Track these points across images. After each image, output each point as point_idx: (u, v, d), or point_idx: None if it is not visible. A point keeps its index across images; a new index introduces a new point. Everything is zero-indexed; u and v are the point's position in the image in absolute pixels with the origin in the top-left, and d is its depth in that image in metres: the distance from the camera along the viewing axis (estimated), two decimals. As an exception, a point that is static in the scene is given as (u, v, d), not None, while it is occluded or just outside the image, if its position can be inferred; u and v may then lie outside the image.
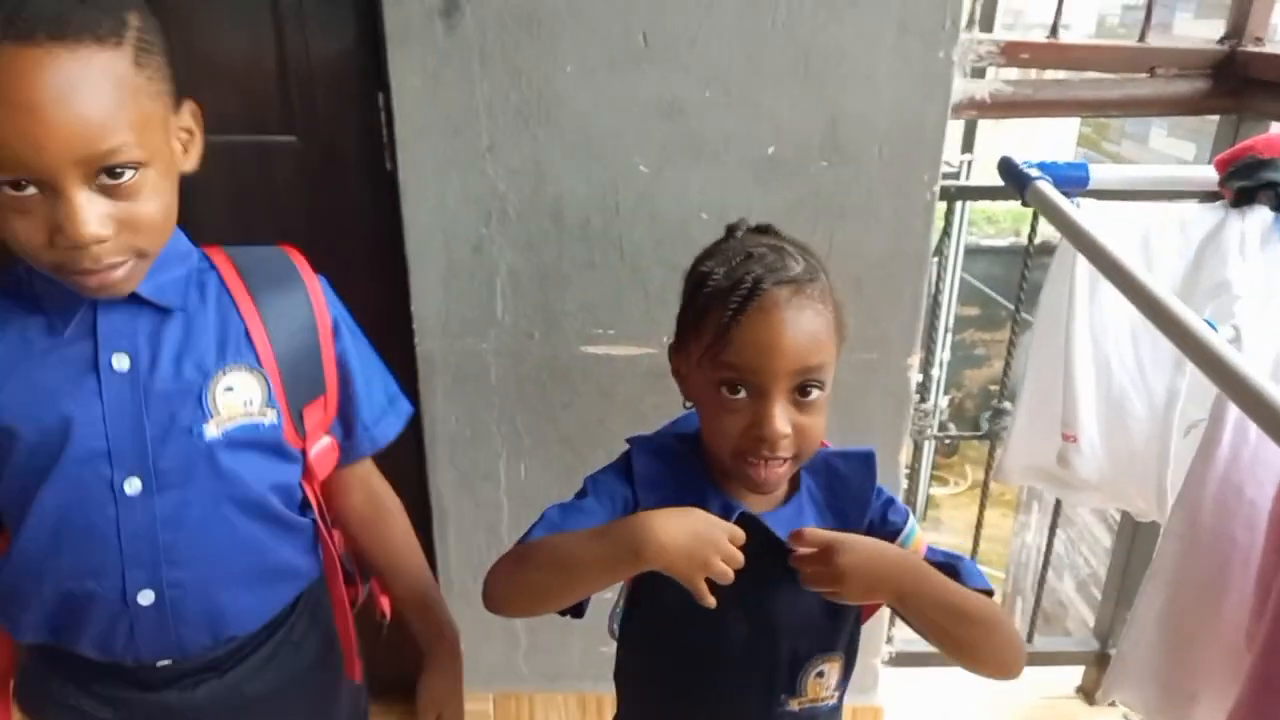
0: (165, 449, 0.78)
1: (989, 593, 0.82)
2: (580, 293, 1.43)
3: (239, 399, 0.80)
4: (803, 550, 0.76)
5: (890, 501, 0.87)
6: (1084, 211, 1.19)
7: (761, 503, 0.83)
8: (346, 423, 0.92)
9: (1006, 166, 1.27)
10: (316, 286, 0.90)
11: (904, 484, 1.56)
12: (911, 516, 0.87)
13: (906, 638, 1.81)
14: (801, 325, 0.75)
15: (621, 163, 1.34)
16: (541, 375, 1.48)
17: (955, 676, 1.83)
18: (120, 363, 0.77)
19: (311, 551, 0.92)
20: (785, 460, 0.77)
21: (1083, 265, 1.23)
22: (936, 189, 1.33)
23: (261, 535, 0.85)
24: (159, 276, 0.78)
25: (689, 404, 0.86)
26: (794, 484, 0.84)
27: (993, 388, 6.77)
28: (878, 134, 1.31)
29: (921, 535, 0.87)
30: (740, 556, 0.73)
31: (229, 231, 0.96)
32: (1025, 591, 2.70)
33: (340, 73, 1.38)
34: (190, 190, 0.85)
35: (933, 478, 6.82)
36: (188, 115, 0.77)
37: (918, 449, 5.16)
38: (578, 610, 0.81)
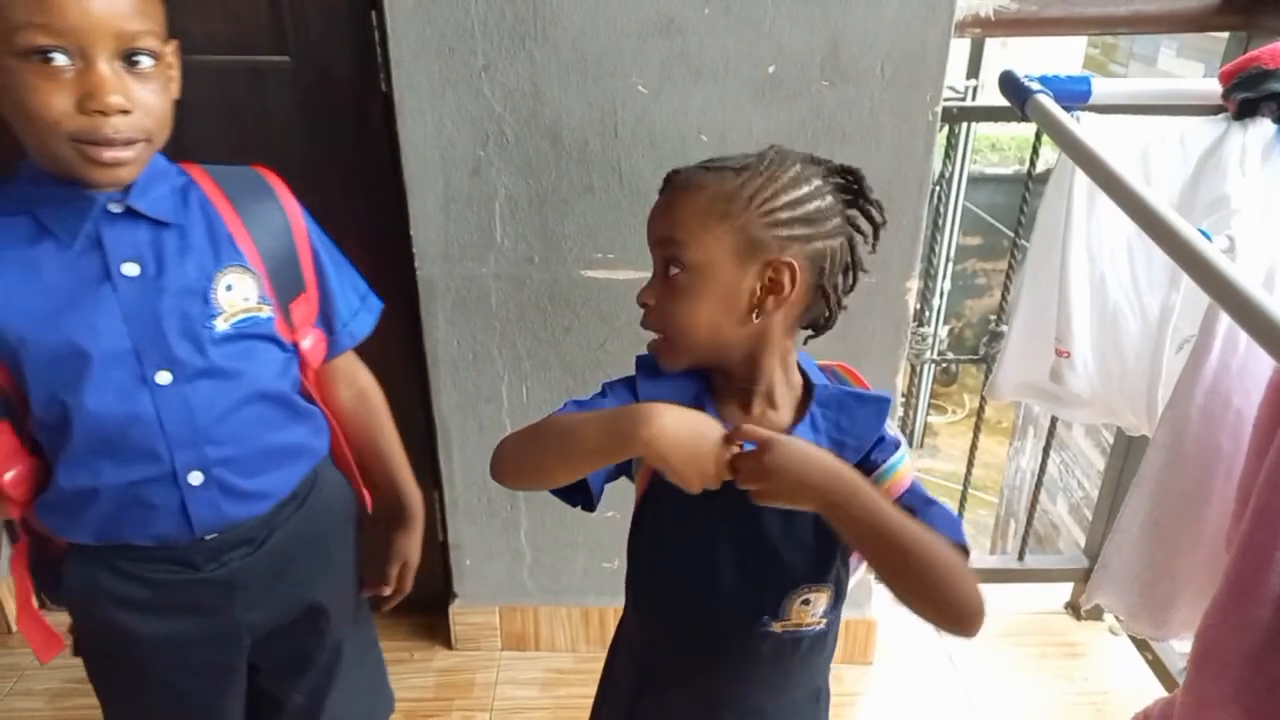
0: (185, 343, 0.85)
1: (963, 548, 0.78)
2: (579, 216, 1.43)
3: (238, 295, 0.88)
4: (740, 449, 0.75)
5: (880, 438, 0.84)
6: (1083, 126, 1.18)
7: (763, 424, 0.81)
8: (327, 319, 1.00)
9: (1007, 80, 1.25)
10: (287, 194, 0.96)
11: (900, 409, 1.58)
12: (901, 448, 0.85)
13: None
14: (668, 202, 0.80)
15: (620, 83, 1.32)
16: (542, 299, 1.49)
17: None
18: (130, 269, 0.82)
19: (322, 432, 1.02)
20: (658, 335, 0.81)
21: (1081, 180, 1.23)
22: (939, 109, 1.32)
23: (279, 417, 0.94)
24: (150, 193, 0.84)
25: None
26: (801, 411, 0.84)
27: (993, 317, 6.74)
28: (879, 53, 1.29)
29: (907, 469, 0.84)
30: (727, 465, 0.74)
31: (223, 154, 0.96)
32: (1018, 514, 2.76)
33: None
34: (184, 113, 0.87)
35: (931, 406, 6.87)
36: (172, 51, 0.83)
37: (915, 375, 5.19)
38: (587, 502, 0.85)
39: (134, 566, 0.91)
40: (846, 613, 1.68)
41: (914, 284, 1.45)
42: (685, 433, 0.74)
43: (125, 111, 0.76)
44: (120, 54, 0.75)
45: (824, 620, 0.88)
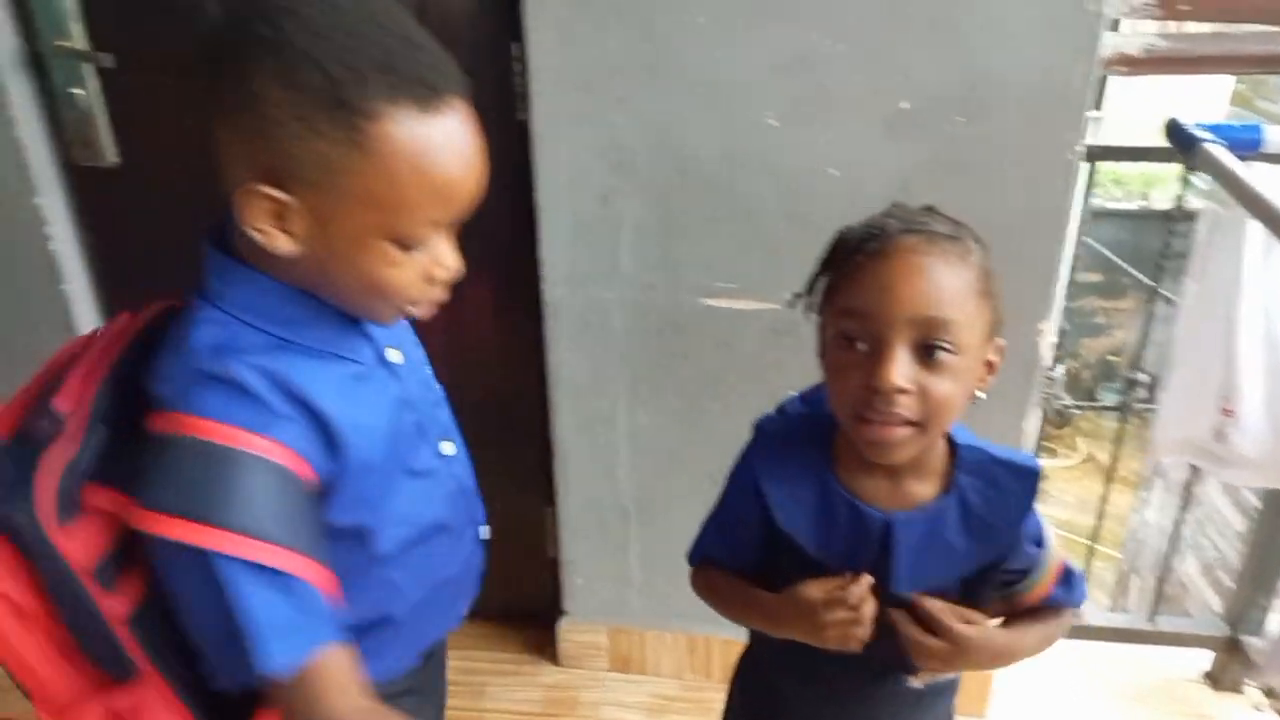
0: (442, 410, 0.86)
1: (1078, 605, 0.87)
2: (703, 245, 1.45)
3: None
4: (920, 634, 0.77)
5: (1035, 534, 0.82)
6: (1254, 174, 1.13)
7: (899, 498, 0.78)
8: None
9: (1174, 129, 1.21)
10: None
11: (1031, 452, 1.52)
12: (1047, 545, 0.83)
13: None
14: (927, 273, 0.69)
15: (749, 116, 1.34)
16: (662, 325, 1.52)
17: (1071, 650, 1.82)
18: (395, 356, 0.79)
19: None
20: (904, 422, 0.71)
21: (1255, 233, 1.17)
22: (1080, 149, 1.28)
23: None
24: None
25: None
26: (947, 483, 0.79)
27: (1112, 358, 6.43)
28: (1018, 90, 1.26)
29: (1054, 563, 0.84)
30: (865, 627, 0.77)
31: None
32: (1142, 570, 2.62)
33: (476, 24, 1.43)
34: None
35: (1041, 449, 6.57)
36: None
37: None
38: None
39: (404, 682, 0.86)
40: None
41: (1047, 326, 1.41)
42: (806, 633, 0.79)
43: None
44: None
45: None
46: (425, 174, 0.64)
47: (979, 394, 0.76)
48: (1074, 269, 1.62)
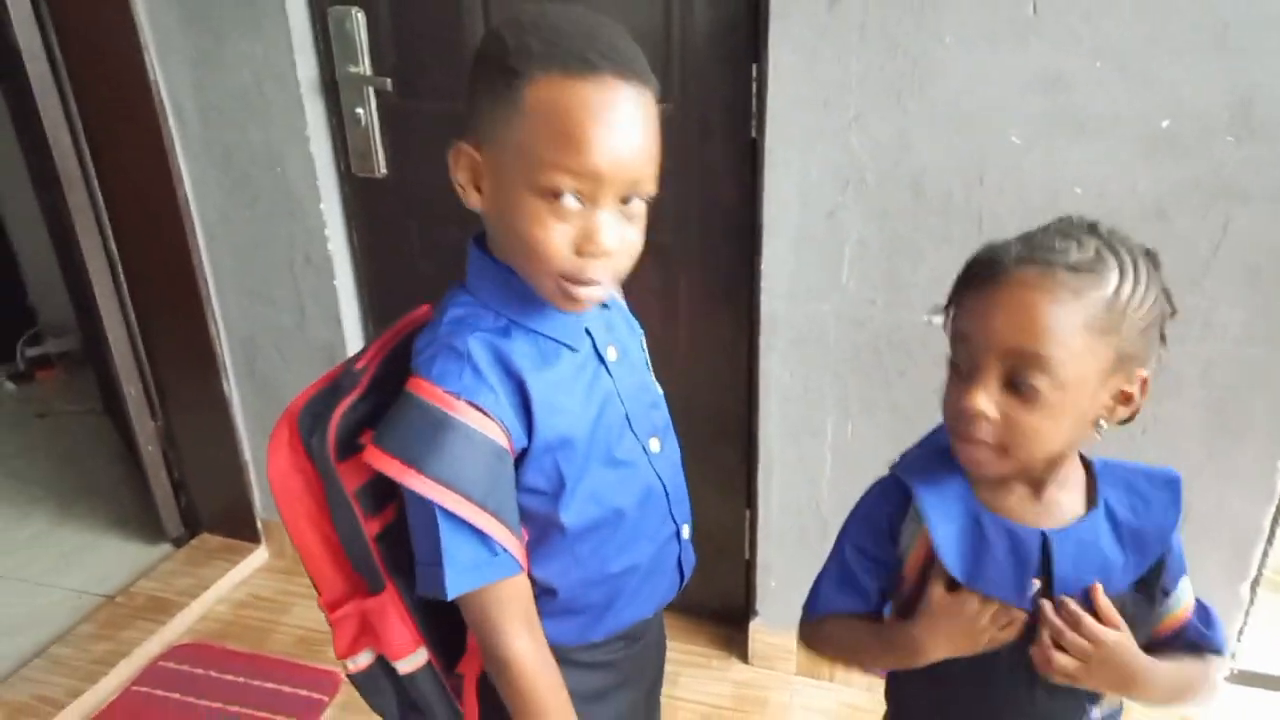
0: (657, 412, 0.91)
1: (1219, 651, 0.82)
2: (929, 264, 1.44)
3: (649, 365, 0.95)
4: (1058, 620, 0.76)
5: (1178, 555, 0.81)
6: None
7: (1046, 517, 0.78)
8: None
9: None
10: None
11: (1278, 495, 1.41)
12: (1185, 578, 0.83)
13: (1258, 654, 1.66)
14: (1027, 308, 0.68)
15: (993, 136, 1.32)
16: (879, 342, 1.52)
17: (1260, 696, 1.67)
18: (612, 354, 0.86)
19: None
20: (987, 445, 0.72)
21: None
22: (1371, 171, 1.18)
23: None
24: None
25: None
26: (1092, 498, 0.79)
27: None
28: (1301, 109, 1.18)
29: (1190, 596, 0.83)
30: (1018, 623, 0.77)
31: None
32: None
33: (718, 45, 1.48)
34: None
35: None
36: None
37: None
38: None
39: (598, 655, 0.90)
40: (1184, 712, 1.54)
41: (1314, 362, 1.30)
42: (947, 649, 0.79)
43: (612, 255, 0.75)
44: (620, 199, 0.74)
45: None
46: (563, 132, 0.69)
47: (1103, 424, 0.74)
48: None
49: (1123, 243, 0.73)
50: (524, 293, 0.78)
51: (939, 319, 1.44)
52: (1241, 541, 1.42)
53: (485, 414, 0.74)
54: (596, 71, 0.69)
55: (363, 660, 0.86)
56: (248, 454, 2.08)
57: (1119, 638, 0.76)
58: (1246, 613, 1.52)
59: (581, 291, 0.75)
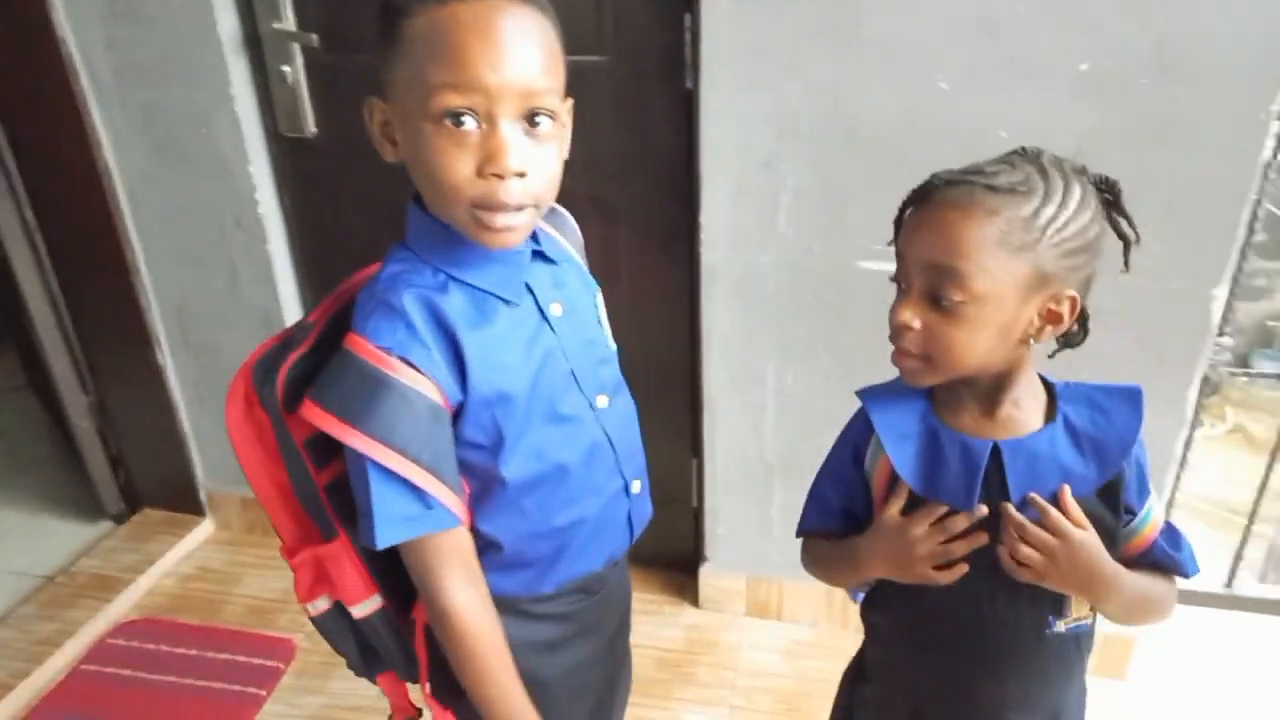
0: (605, 369, 0.91)
1: (1185, 573, 0.86)
2: (864, 209, 1.47)
3: (604, 317, 0.96)
4: (1020, 519, 0.78)
5: (1142, 471, 0.83)
6: None
7: (1003, 430, 0.81)
8: None
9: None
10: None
11: (1190, 420, 1.50)
12: (1152, 495, 0.85)
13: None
14: (946, 223, 0.73)
15: (923, 81, 1.35)
16: (817, 288, 1.55)
17: (1217, 619, 1.79)
18: (555, 310, 0.86)
19: None
20: (913, 355, 0.77)
21: None
22: (1275, 109, 1.24)
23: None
24: (544, 237, 0.88)
25: None
26: (1050, 412, 0.82)
27: (1271, 324, 6.00)
28: (1214, 50, 1.22)
29: (1159, 516, 0.86)
30: (956, 571, 0.81)
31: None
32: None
33: None
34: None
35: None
36: (567, 110, 0.80)
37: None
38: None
39: (549, 607, 0.91)
40: (1104, 627, 1.64)
41: (1221, 291, 1.38)
42: (882, 562, 0.85)
43: (521, 175, 0.73)
44: (523, 115, 0.73)
45: (1093, 614, 0.88)
46: (441, 50, 0.70)
47: (1033, 341, 0.78)
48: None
49: (1061, 169, 0.75)
50: (461, 245, 0.79)
51: (876, 265, 1.50)
52: (1157, 466, 1.50)
53: (418, 370, 0.75)
54: None
55: (321, 605, 0.89)
56: (187, 425, 2.03)
57: (1085, 536, 0.78)
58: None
59: (498, 219, 0.74)
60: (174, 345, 1.95)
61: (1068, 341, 0.82)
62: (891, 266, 1.47)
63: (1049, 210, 0.73)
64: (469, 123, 0.71)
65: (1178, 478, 1.56)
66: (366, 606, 0.87)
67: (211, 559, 2.03)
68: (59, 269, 1.90)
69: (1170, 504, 1.59)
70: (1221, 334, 1.46)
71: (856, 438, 0.89)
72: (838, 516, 0.92)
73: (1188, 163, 1.29)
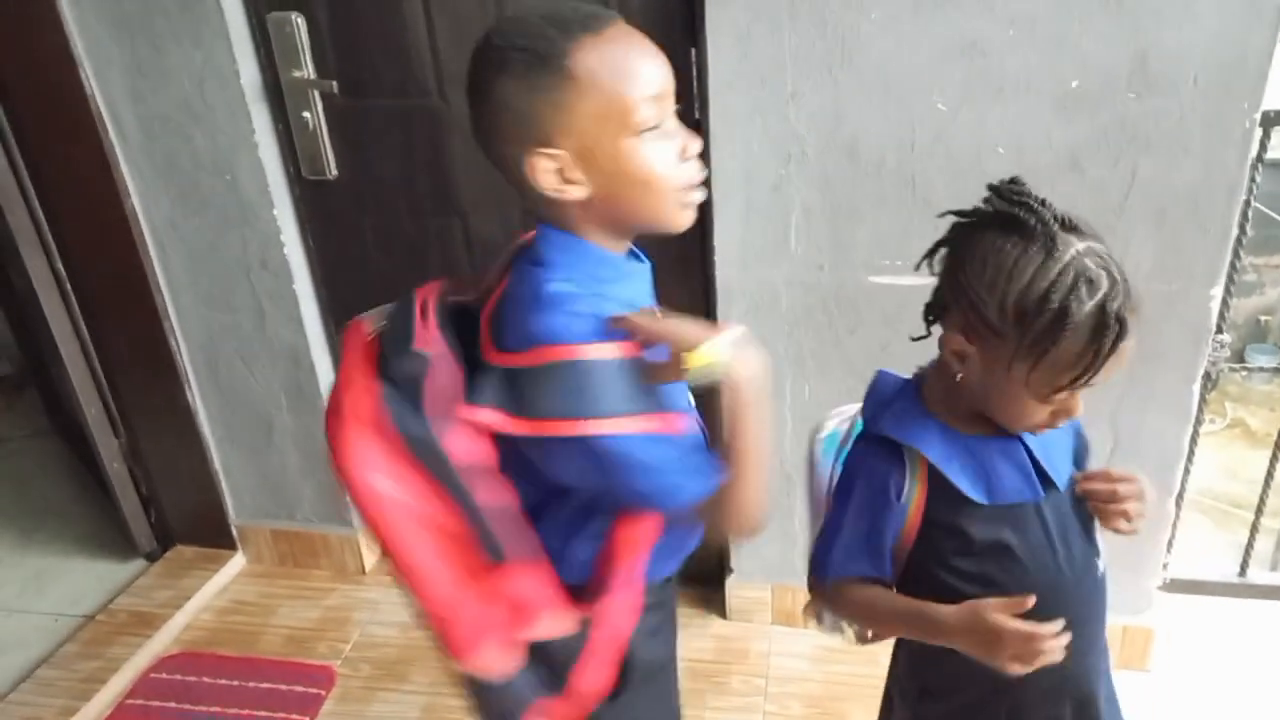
0: None
1: None
2: (870, 226, 1.53)
3: None
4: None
5: None
6: None
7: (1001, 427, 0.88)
8: None
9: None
10: None
11: (1194, 416, 1.55)
12: None
13: (1184, 563, 1.82)
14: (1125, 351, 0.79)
15: (919, 102, 1.41)
16: (829, 303, 1.61)
17: (1236, 607, 1.83)
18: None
19: None
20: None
21: None
22: (1256, 117, 1.30)
23: None
24: None
25: (958, 375, 0.86)
26: None
27: (1264, 318, 6.07)
28: (1193, 65, 1.29)
29: None
30: (1046, 639, 0.80)
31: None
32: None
33: (655, 31, 1.50)
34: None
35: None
36: None
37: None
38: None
39: (656, 595, 0.96)
40: (1124, 618, 1.68)
41: (1218, 291, 1.44)
42: (980, 651, 0.83)
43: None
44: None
45: None
46: (625, 73, 0.77)
47: None
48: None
49: (1095, 236, 0.82)
50: (603, 261, 0.86)
51: (884, 280, 1.56)
52: (1165, 461, 1.56)
53: (611, 344, 0.79)
54: (604, 23, 0.78)
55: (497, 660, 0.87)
56: (217, 462, 2.08)
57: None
58: (1174, 526, 1.66)
59: (697, 194, 0.85)
60: (203, 386, 2.01)
61: None
62: (899, 281, 1.57)
63: None
64: (663, 124, 0.80)
65: (1186, 472, 1.61)
66: (568, 616, 0.88)
67: (246, 592, 2.07)
68: (88, 316, 1.96)
69: (1180, 499, 1.64)
70: (1220, 331, 1.52)
71: (890, 473, 0.90)
72: (884, 561, 0.92)
73: (1176, 170, 1.36)
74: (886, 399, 0.94)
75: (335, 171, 1.75)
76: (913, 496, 0.90)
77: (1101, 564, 0.94)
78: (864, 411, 0.96)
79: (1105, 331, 0.76)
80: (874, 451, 0.92)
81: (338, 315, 1.91)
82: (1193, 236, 1.40)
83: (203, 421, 2.04)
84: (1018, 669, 0.82)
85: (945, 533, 0.89)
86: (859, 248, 1.56)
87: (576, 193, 0.81)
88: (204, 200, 1.80)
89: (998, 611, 0.82)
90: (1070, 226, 0.80)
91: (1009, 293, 0.79)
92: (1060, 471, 0.90)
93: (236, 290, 1.88)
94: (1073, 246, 0.79)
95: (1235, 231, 1.40)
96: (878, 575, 0.92)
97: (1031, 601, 0.82)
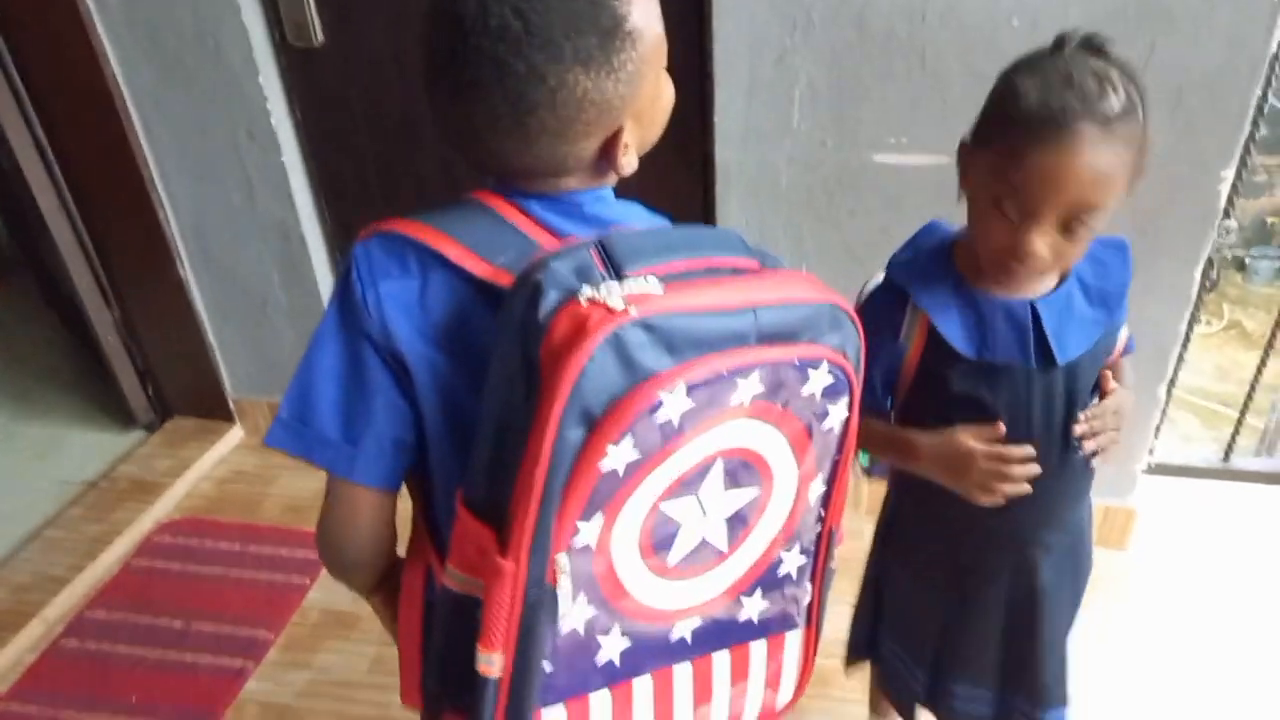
0: None
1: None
2: (878, 102, 1.48)
3: None
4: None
5: (1124, 304, 0.93)
6: None
7: (1035, 291, 0.88)
8: None
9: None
10: None
11: (1193, 301, 1.54)
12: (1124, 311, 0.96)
13: (1168, 448, 1.85)
14: (1096, 166, 0.75)
15: (934, -31, 1.34)
16: (830, 183, 1.58)
17: (1216, 490, 1.87)
18: None
19: None
20: (1034, 272, 0.84)
21: None
22: (1284, -6, 1.24)
23: None
24: None
25: (962, 196, 0.89)
26: (1064, 271, 0.89)
27: (1270, 220, 6.03)
28: (1226, -71, 1.22)
29: (1125, 334, 0.99)
30: (1020, 474, 0.88)
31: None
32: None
33: None
34: None
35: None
36: None
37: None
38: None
39: None
40: (1107, 499, 1.72)
41: (1229, 174, 1.41)
42: (943, 475, 0.91)
43: None
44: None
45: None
46: (654, 4, 0.65)
47: None
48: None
49: (1126, 67, 0.79)
50: None
51: (889, 158, 1.52)
52: (1160, 347, 1.56)
53: None
54: None
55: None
56: (212, 336, 2.08)
57: (1123, 397, 0.92)
58: (1163, 412, 1.68)
59: None
60: (194, 260, 1.99)
61: None
62: (904, 160, 1.53)
63: (1144, 120, 0.78)
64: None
65: (1180, 360, 1.62)
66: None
67: (245, 463, 2.11)
68: (74, 188, 1.92)
69: (1171, 386, 1.65)
70: (1227, 216, 1.50)
71: (890, 315, 0.93)
72: (877, 392, 0.96)
73: (1196, 50, 1.30)
74: (920, 246, 0.96)
75: (322, 38, 1.68)
76: (912, 338, 0.93)
77: (1082, 455, 0.94)
78: (894, 255, 0.97)
79: (1039, 123, 0.75)
80: (885, 291, 0.95)
81: (327, 190, 1.87)
82: (1208, 118, 1.35)
83: (195, 296, 2.03)
84: (984, 498, 0.89)
85: (933, 380, 0.92)
86: (864, 125, 1.51)
87: (634, 158, 0.68)
88: (188, 71, 1.74)
89: (967, 435, 0.88)
90: (1093, 46, 0.80)
91: (1001, 82, 0.82)
92: (1067, 349, 0.89)
93: (224, 163, 1.83)
94: (1083, 57, 0.79)
95: (1253, 112, 1.35)
96: (874, 406, 0.95)
97: (1002, 430, 0.88)
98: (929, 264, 0.92)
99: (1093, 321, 0.90)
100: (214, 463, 2.10)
